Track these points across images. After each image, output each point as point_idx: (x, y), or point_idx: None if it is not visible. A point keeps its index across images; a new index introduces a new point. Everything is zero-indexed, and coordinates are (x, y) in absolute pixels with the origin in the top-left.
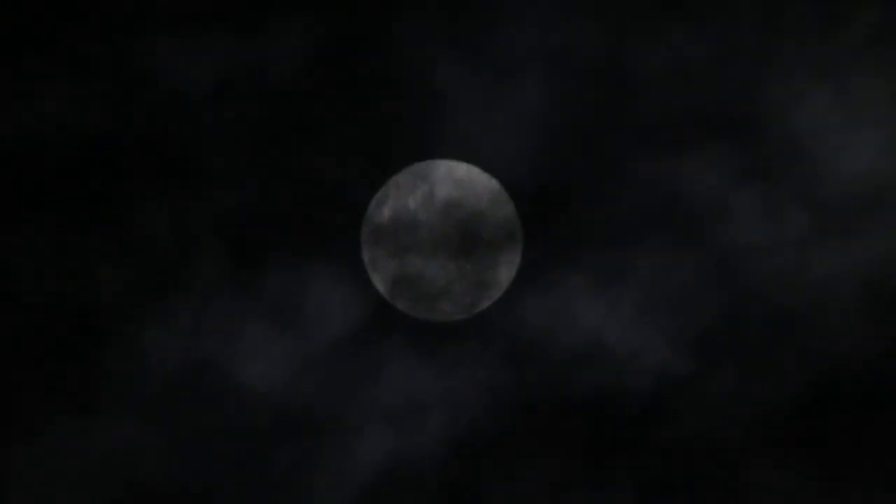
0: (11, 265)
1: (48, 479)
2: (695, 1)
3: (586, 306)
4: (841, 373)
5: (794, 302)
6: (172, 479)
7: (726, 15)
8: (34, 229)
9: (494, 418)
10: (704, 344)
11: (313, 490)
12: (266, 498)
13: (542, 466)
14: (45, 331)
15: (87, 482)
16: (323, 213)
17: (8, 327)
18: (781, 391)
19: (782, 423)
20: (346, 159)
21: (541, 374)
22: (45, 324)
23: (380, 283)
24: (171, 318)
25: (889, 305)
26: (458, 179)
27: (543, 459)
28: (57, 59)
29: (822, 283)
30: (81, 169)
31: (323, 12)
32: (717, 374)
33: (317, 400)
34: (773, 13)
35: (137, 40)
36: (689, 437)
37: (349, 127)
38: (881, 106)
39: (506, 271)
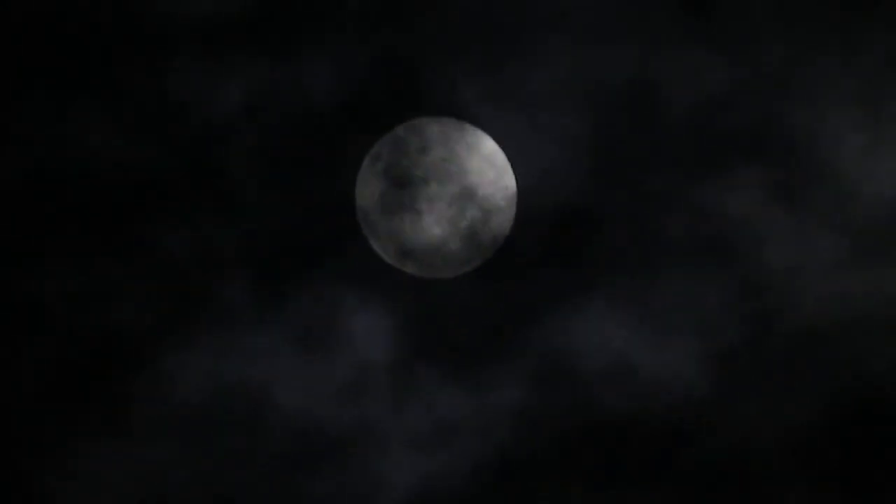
0: (39, 291)
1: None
2: (720, 29)
3: (613, 328)
4: (869, 392)
5: (821, 323)
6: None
7: (751, 42)
8: (60, 255)
9: (521, 441)
10: (730, 365)
11: None
12: None
13: (569, 489)
14: (71, 356)
15: None
16: (350, 238)
17: (35, 353)
18: (808, 411)
19: (809, 443)
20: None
21: (567, 396)
22: (72, 349)
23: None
24: (198, 343)
25: None
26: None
27: (570, 482)
28: (85, 87)
29: (849, 305)
30: (107, 195)
31: (354, 40)
32: (743, 395)
33: (345, 423)
34: (797, 40)
35: (164, 66)
36: (716, 457)
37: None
38: None
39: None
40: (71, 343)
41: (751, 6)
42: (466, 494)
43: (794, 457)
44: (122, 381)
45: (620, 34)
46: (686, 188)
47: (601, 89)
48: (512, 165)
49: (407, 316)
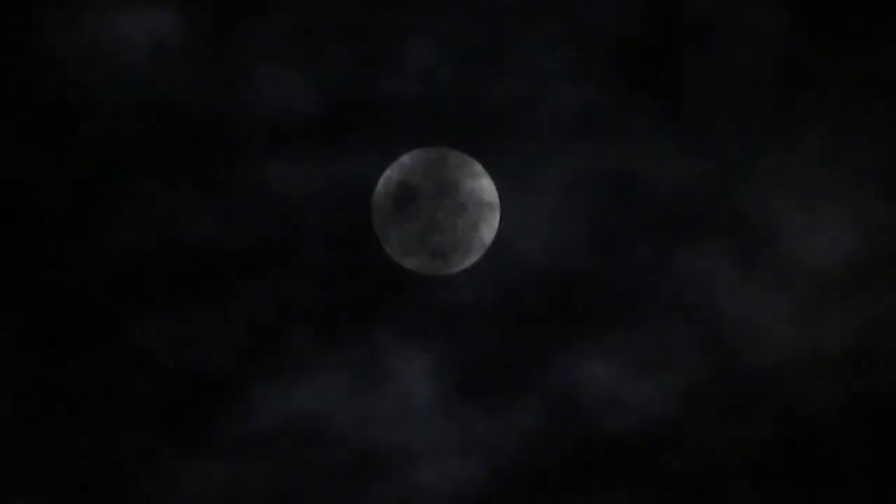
0: (149, 339)
1: None
2: (688, 130)
3: (604, 367)
4: (808, 419)
5: (769, 364)
6: None
7: (716, 140)
8: (164, 311)
9: (531, 454)
10: (697, 396)
11: None
12: None
13: (569, 492)
14: (172, 390)
15: None
16: (395, 297)
17: (143, 387)
18: (758, 433)
19: (760, 457)
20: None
21: (569, 419)
22: (173, 384)
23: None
24: (274, 378)
25: (853, 367)
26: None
27: (570, 487)
28: (188, 178)
29: (793, 350)
30: (203, 262)
31: (400, 141)
32: (707, 420)
33: (389, 442)
34: (750, 138)
35: (249, 159)
36: (686, 467)
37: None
38: (838, 206)
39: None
40: (172, 379)
41: (714, 111)
42: (481, 494)
43: (748, 467)
44: (213, 409)
45: (612, 134)
46: (663, 256)
47: (596, 178)
48: (524, 239)
49: (441, 358)
